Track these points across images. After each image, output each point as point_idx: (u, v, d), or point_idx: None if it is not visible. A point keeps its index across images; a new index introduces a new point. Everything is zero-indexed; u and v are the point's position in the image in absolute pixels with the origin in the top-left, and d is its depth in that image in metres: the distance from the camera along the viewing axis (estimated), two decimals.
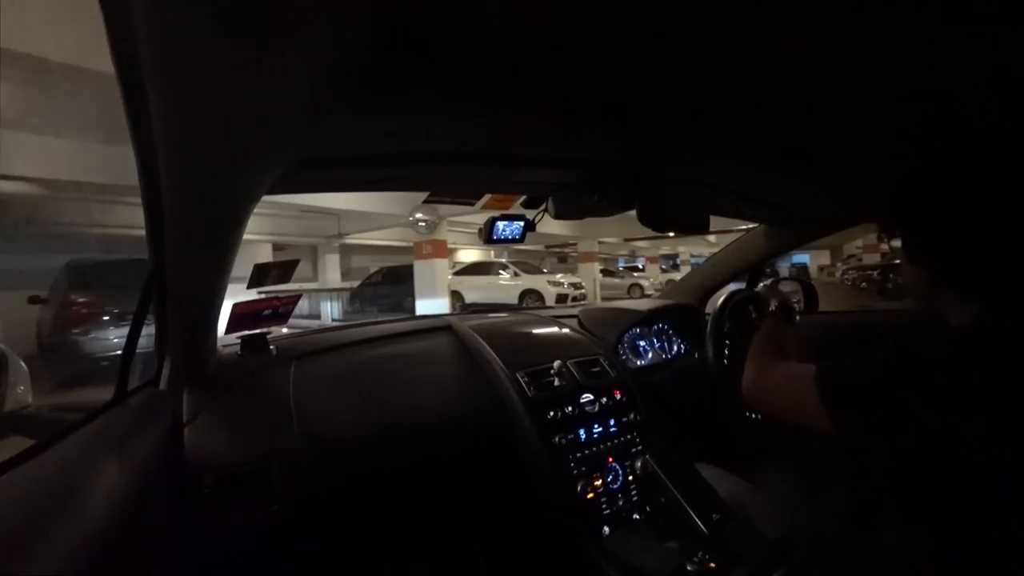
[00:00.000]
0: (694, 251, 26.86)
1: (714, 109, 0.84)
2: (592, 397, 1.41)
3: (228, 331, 1.24)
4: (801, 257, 37.14)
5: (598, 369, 1.51)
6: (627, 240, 21.75)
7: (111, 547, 0.67)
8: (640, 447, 1.41)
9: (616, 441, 1.39)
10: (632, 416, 1.45)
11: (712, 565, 1.05)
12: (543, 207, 1.28)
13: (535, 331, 1.69)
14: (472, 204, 1.33)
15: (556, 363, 1.42)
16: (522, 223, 1.30)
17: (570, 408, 1.36)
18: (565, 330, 1.73)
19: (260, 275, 1.26)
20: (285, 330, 1.45)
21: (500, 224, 1.27)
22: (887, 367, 0.67)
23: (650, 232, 1.23)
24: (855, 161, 1.10)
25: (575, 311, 1.94)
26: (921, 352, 0.66)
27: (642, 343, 1.82)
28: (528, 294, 13.52)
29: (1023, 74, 0.68)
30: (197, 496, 0.97)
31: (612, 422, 1.41)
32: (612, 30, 0.59)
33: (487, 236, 1.28)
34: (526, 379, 1.37)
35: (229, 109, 0.55)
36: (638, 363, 1.75)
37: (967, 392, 0.59)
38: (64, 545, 0.59)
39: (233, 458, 1.03)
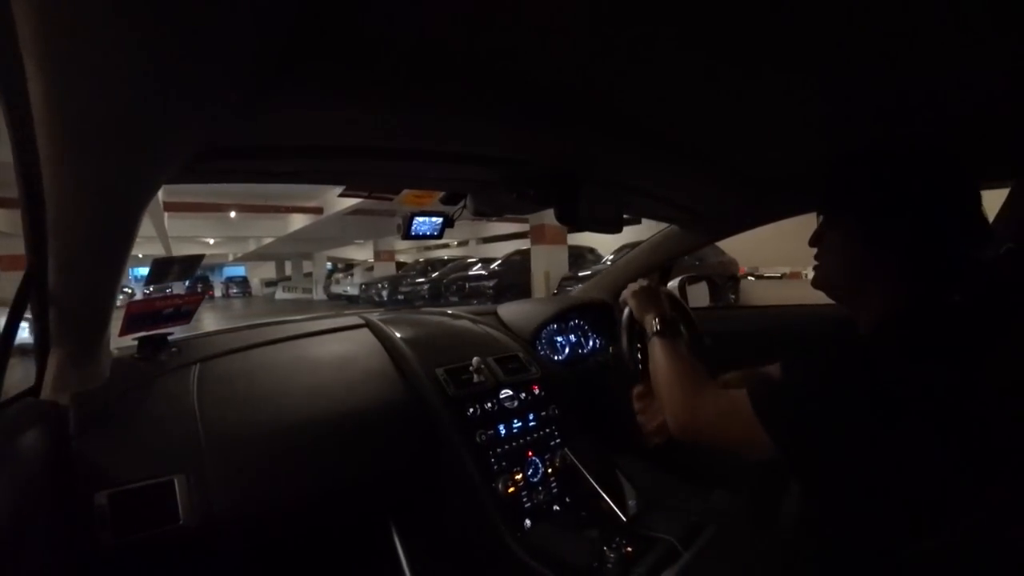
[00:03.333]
0: None
1: (627, 112, 0.87)
2: (511, 393, 1.43)
3: (123, 333, 1.14)
4: (237, 269, 36.79)
5: (516, 365, 1.53)
6: None
7: None
8: (559, 440, 1.44)
9: (535, 435, 1.41)
10: (551, 410, 1.48)
11: (629, 549, 1.10)
12: (462, 204, 1.28)
13: (453, 328, 1.69)
14: (391, 199, 1.30)
15: (475, 360, 1.43)
16: (441, 219, 1.29)
17: (490, 404, 1.37)
18: (483, 327, 1.73)
19: (160, 271, 1.17)
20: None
21: (418, 220, 1.26)
22: (821, 383, 0.65)
23: None
24: (755, 163, 1.17)
25: (494, 308, 1.95)
26: (843, 358, 0.66)
27: (559, 339, 1.86)
28: None
29: (922, 72, 0.71)
30: (90, 516, 0.89)
31: (531, 417, 1.43)
32: (529, 32, 0.60)
33: (405, 232, 1.26)
34: (445, 376, 1.36)
35: (123, 89, 0.48)
36: (555, 358, 1.79)
37: (891, 394, 0.60)
38: None
39: (132, 472, 0.95)
